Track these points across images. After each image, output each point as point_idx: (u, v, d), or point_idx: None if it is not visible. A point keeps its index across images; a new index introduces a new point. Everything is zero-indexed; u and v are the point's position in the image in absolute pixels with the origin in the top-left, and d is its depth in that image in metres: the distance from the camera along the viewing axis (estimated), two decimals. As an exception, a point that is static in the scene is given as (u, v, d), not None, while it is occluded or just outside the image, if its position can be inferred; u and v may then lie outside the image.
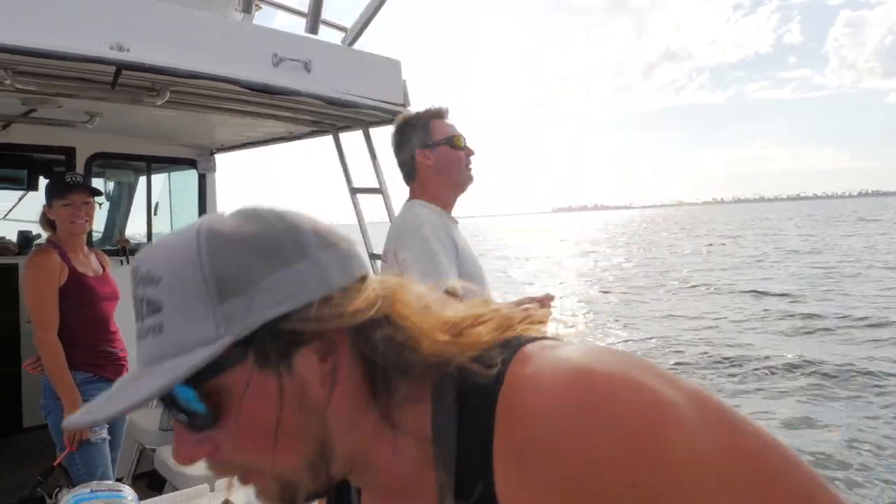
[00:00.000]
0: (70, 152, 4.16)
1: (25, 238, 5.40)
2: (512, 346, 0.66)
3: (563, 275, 26.64)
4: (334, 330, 0.63)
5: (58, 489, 2.95)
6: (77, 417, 0.63)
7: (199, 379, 0.60)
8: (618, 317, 16.03)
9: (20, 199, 5.44)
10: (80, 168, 4.16)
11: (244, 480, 0.68)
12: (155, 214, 4.96)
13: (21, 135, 3.89)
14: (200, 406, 0.62)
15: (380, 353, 0.65)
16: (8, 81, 2.31)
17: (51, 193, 2.94)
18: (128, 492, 1.46)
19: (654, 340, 12.83)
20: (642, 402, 0.57)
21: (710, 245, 42.30)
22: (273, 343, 0.61)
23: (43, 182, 4.77)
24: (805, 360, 10.39)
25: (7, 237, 5.38)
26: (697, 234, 58.86)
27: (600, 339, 13.07)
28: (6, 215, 5.58)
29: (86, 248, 3.08)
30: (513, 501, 0.60)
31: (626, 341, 12.87)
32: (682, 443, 0.55)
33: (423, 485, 0.67)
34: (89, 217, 2.98)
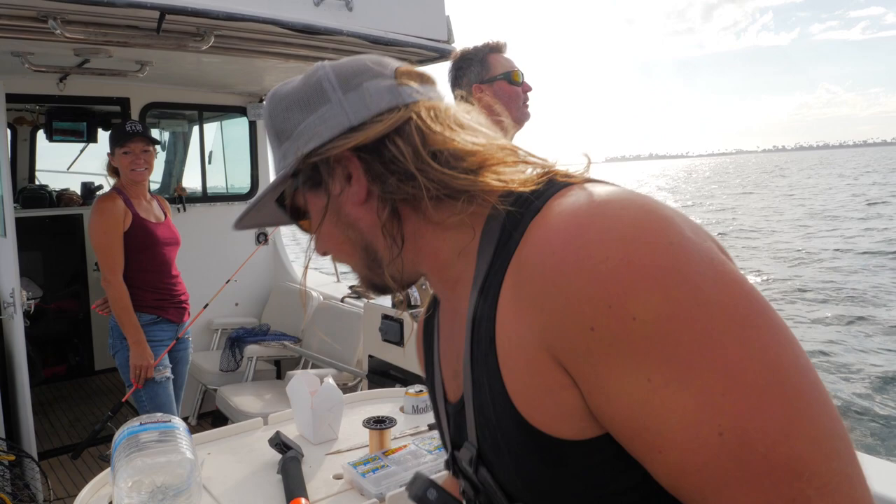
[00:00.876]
0: (125, 103, 4.24)
1: (88, 189, 5.60)
2: (557, 186, 0.70)
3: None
4: (345, 157, 0.76)
5: (127, 425, 3.12)
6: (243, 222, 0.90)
7: (281, 199, 0.84)
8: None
9: (81, 151, 5.63)
10: (135, 118, 4.24)
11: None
12: (209, 163, 5.05)
13: (78, 87, 3.98)
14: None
15: (384, 176, 0.75)
16: (58, 31, 2.34)
17: (112, 142, 3.04)
18: (177, 422, 1.51)
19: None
20: (641, 248, 0.56)
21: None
22: (308, 171, 0.79)
23: (102, 134, 4.92)
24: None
25: (71, 188, 5.59)
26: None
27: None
28: (69, 167, 5.79)
29: (148, 195, 3.18)
30: (504, 310, 0.66)
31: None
32: (655, 305, 0.54)
33: (465, 285, 0.76)
34: (149, 165, 3.05)
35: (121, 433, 1.45)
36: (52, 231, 5.15)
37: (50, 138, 4.88)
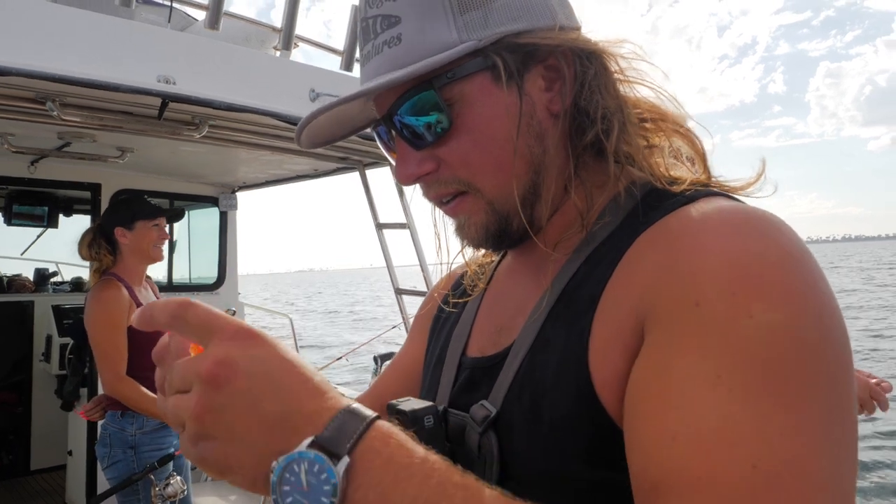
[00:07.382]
0: (96, 189, 4.18)
1: (42, 275, 5.41)
2: (712, 191, 0.65)
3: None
4: (561, 53, 0.66)
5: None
6: (304, 120, 0.69)
7: (438, 83, 0.64)
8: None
9: (38, 236, 5.46)
10: (104, 205, 4.17)
11: (455, 210, 0.70)
12: (172, 252, 4.96)
13: (49, 171, 3.91)
14: (437, 113, 0.65)
15: (586, 96, 0.67)
16: (55, 113, 2.34)
17: (132, 215, 2.73)
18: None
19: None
20: (796, 265, 0.54)
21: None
22: (509, 55, 0.64)
23: (63, 219, 4.81)
24: None
25: (24, 274, 5.39)
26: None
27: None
28: (24, 252, 5.59)
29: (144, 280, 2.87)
30: (621, 274, 0.62)
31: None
32: (779, 319, 0.50)
33: (564, 246, 0.70)
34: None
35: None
36: (-1, 318, 4.90)
37: (8, 222, 4.73)
